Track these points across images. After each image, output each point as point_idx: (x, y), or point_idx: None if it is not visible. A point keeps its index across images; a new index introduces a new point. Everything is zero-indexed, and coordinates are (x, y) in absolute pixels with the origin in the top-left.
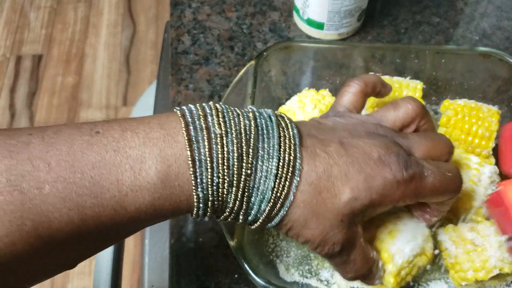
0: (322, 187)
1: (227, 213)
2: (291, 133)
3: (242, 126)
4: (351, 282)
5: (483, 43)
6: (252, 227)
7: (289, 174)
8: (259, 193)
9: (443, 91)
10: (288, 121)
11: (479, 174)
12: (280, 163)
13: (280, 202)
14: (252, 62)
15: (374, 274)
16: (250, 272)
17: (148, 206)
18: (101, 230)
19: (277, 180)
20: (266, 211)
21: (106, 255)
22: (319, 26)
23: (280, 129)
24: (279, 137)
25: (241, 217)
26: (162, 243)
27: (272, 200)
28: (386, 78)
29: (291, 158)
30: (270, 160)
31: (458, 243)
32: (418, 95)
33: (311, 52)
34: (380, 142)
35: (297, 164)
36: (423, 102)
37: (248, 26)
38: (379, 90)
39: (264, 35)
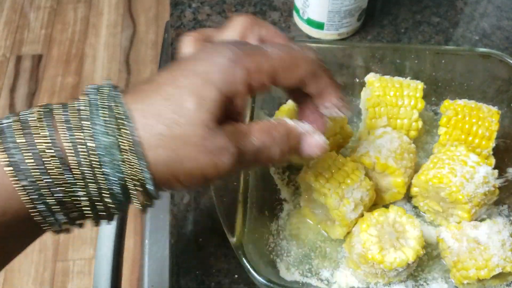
0: (164, 112)
1: (85, 201)
2: (106, 90)
3: (61, 107)
4: (351, 282)
5: (483, 43)
6: (136, 205)
7: (122, 121)
8: (100, 156)
9: (443, 92)
10: (107, 85)
11: (473, 171)
12: (107, 116)
13: (134, 154)
14: None
15: (294, 126)
16: (251, 270)
17: None
18: None
19: (112, 136)
20: (127, 170)
21: (106, 255)
22: (319, 26)
23: (98, 96)
24: (98, 95)
25: (107, 199)
26: (162, 243)
27: (122, 158)
28: (386, 78)
29: (117, 106)
30: (97, 117)
31: (461, 241)
32: (418, 95)
33: None
34: (204, 46)
35: (124, 108)
36: (424, 103)
37: None
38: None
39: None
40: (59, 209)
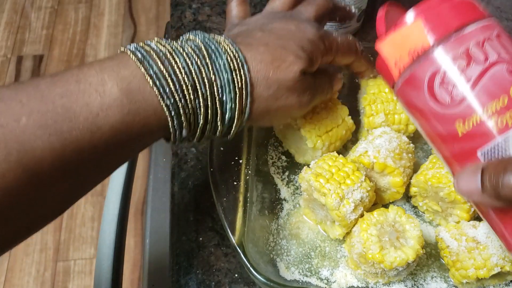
0: (270, 60)
1: (202, 121)
2: (222, 37)
3: (186, 42)
4: (350, 281)
5: None
6: (231, 134)
7: (239, 63)
8: (222, 90)
9: None
10: (216, 35)
11: None
12: (229, 59)
13: (244, 91)
14: None
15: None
16: (251, 269)
17: (120, 123)
18: (82, 159)
19: (233, 72)
20: (237, 103)
21: (107, 254)
22: None
23: (213, 36)
24: (218, 43)
25: (219, 122)
26: (162, 242)
27: (237, 92)
28: (380, 77)
29: (234, 53)
30: (220, 59)
31: (460, 240)
32: None
33: None
34: (289, 19)
35: (240, 55)
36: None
37: None
38: None
39: None
40: (186, 125)
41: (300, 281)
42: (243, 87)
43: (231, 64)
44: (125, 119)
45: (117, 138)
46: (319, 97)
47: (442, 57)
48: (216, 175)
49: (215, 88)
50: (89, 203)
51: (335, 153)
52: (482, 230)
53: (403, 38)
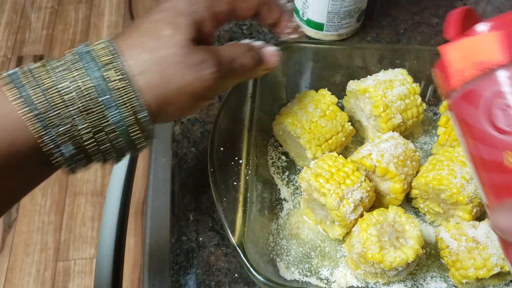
0: (146, 42)
1: (89, 134)
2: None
3: (61, 60)
4: (350, 281)
5: None
6: (136, 140)
7: (112, 56)
8: (105, 94)
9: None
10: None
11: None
12: (100, 52)
13: (126, 85)
14: None
15: (249, 44)
16: (251, 269)
17: None
18: None
19: (106, 67)
20: (122, 102)
21: (107, 254)
22: (319, 27)
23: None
24: (90, 45)
25: (109, 129)
26: (163, 242)
27: (116, 89)
28: (372, 83)
29: (106, 45)
30: (91, 55)
31: (460, 240)
32: (409, 79)
33: (311, 52)
34: None
35: (113, 45)
36: (424, 105)
37: (248, 27)
38: None
39: (264, 36)
40: (63, 140)
41: (300, 281)
42: (122, 80)
43: (101, 60)
44: None
45: None
46: (234, 72)
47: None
48: (216, 175)
49: (87, 91)
50: (89, 203)
51: (335, 153)
52: (482, 230)
53: (474, 48)
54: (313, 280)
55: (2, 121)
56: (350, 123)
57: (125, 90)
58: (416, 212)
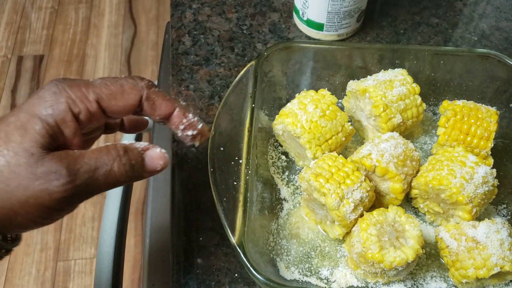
0: None
1: None
2: None
3: None
4: (350, 281)
5: (482, 44)
6: None
7: None
8: None
9: (442, 92)
10: None
11: (472, 172)
12: None
13: None
14: (253, 62)
15: (130, 146)
16: (251, 269)
17: None
18: None
19: None
20: None
21: (107, 254)
22: (319, 27)
23: None
24: None
25: None
26: (163, 242)
27: None
28: (373, 83)
29: None
30: None
31: (460, 240)
32: (409, 80)
33: (311, 52)
34: (35, 91)
35: None
36: (424, 105)
37: (248, 27)
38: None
39: (264, 36)
40: None
41: (300, 280)
42: None
43: None
44: None
45: None
46: (96, 182)
47: None
48: (216, 175)
49: None
50: (89, 203)
51: (335, 153)
52: (481, 230)
53: None
54: (313, 280)
55: None
56: (350, 123)
57: None
58: (416, 212)
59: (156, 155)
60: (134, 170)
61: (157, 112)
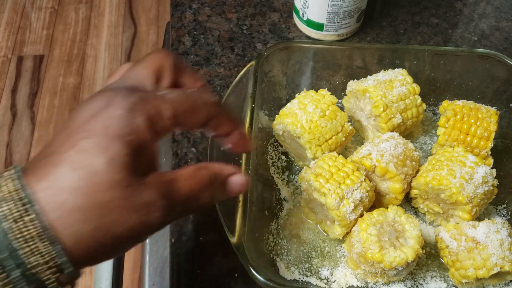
0: (75, 182)
1: None
2: (10, 171)
3: None
4: (350, 281)
5: (482, 44)
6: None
7: (24, 207)
8: (8, 256)
9: (442, 92)
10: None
11: (472, 172)
12: (10, 206)
13: (44, 240)
14: (253, 62)
15: (218, 168)
16: (251, 269)
17: None
18: None
19: (17, 224)
20: (36, 264)
21: None
22: (319, 27)
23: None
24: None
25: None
26: (163, 242)
27: (30, 249)
28: (373, 83)
29: (18, 190)
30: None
31: (459, 240)
32: (409, 80)
33: (311, 52)
34: (91, 98)
35: (26, 191)
36: (424, 105)
37: (248, 27)
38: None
39: (264, 36)
40: None
41: (300, 280)
42: (40, 237)
43: (12, 214)
44: None
45: None
46: (187, 212)
47: None
48: None
49: None
50: None
51: (335, 153)
52: (481, 230)
53: None
54: (313, 280)
55: None
56: (350, 123)
57: (43, 251)
58: (416, 212)
59: (240, 181)
60: (216, 197)
61: (218, 131)
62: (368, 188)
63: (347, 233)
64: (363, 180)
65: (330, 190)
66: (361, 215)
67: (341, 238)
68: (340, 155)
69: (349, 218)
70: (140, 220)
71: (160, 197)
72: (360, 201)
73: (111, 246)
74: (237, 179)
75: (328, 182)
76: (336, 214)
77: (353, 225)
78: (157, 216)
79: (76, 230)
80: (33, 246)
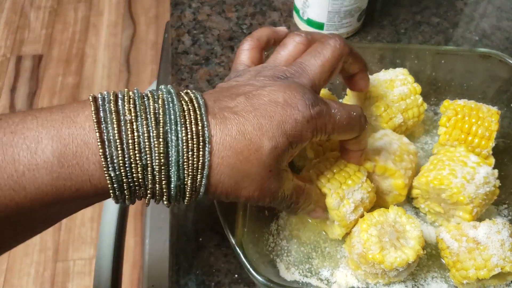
0: (241, 147)
1: (149, 195)
2: (195, 104)
3: (152, 110)
4: (351, 282)
5: (483, 44)
6: (185, 202)
7: (200, 144)
8: (174, 170)
9: (443, 92)
10: (193, 95)
11: (473, 172)
12: (189, 136)
13: (199, 173)
14: None
15: (315, 201)
16: (251, 270)
17: (48, 187)
18: (6, 213)
19: (189, 153)
20: (189, 184)
21: (106, 254)
22: (319, 26)
23: (184, 103)
24: (183, 111)
25: (164, 197)
26: (162, 243)
27: (189, 174)
28: (374, 83)
29: (199, 128)
30: (179, 134)
31: (460, 241)
32: (410, 79)
33: None
34: (283, 86)
35: (206, 133)
36: (425, 105)
37: (248, 26)
38: (274, 40)
39: None
40: (129, 196)
41: (300, 281)
42: (199, 168)
43: (189, 144)
44: (55, 183)
45: (45, 200)
46: (293, 209)
47: None
48: None
49: (167, 168)
50: None
51: (337, 153)
52: (482, 230)
53: None
54: (314, 281)
55: (78, 172)
56: None
57: (197, 179)
58: (417, 212)
59: (317, 215)
60: (313, 212)
61: (352, 68)
62: (369, 189)
63: (347, 234)
64: (364, 181)
65: (330, 190)
66: (361, 216)
67: (340, 238)
68: None
69: (349, 218)
70: (260, 197)
71: (280, 191)
72: (360, 201)
73: (230, 198)
74: (318, 214)
75: (329, 181)
76: (336, 214)
77: (353, 226)
78: (269, 200)
79: (220, 178)
80: (192, 172)
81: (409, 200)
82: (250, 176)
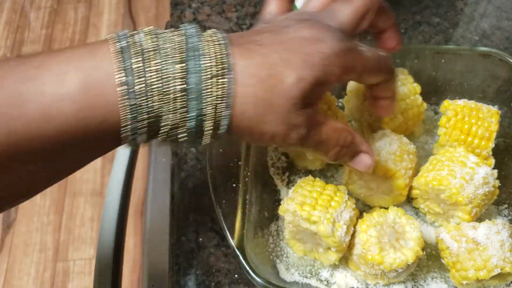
0: (265, 76)
1: (167, 127)
2: (219, 35)
3: (173, 39)
4: (350, 282)
5: (483, 43)
6: (203, 141)
7: (223, 71)
8: (194, 98)
9: (443, 91)
10: (217, 31)
11: (472, 172)
12: (211, 63)
13: (222, 102)
14: None
15: (360, 142)
16: (250, 271)
17: (73, 117)
18: (32, 149)
19: (210, 80)
20: (208, 115)
21: (106, 254)
22: None
23: (207, 35)
24: (207, 41)
25: (182, 129)
26: (162, 243)
27: (210, 102)
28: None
29: (222, 56)
30: (200, 61)
31: (460, 241)
32: (410, 80)
33: None
34: (310, 23)
35: (229, 60)
36: (425, 105)
37: (248, 26)
38: None
39: None
40: (144, 132)
41: (300, 282)
42: (221, 98)
43: (210, 71)
44: (79, 114)
45: (70, 132)
46: (314, 149)
47: None
48: (215, 177)
49: (186, 96)
50: (88, 203)
51: (310, 177)
52: (482, 231)
53: None
54: (313, 282)
55: (102, 102)
56: (350, 123)
57: (216, 109)
58: (417, 212)
59: (365, 162)
60: (339, 159)
61: (378, 108)
62: (354, 206)
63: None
64: (347, 199)
65: (320, 217)
66: (352, 235)
67: (336, 263)
68: (317, 178)
69: (344, 241)
70: (283, 132)
71: (305, 126)
72: (349, 220)
73: (254, 135)
74: (366, 159)
75: (315, 209)
76: (332, 241)
77: (347, 246)
78: (294, 137)
79: (244, 108)
80: (216, 103)
81: (409, 200)
82: (274, 107)
